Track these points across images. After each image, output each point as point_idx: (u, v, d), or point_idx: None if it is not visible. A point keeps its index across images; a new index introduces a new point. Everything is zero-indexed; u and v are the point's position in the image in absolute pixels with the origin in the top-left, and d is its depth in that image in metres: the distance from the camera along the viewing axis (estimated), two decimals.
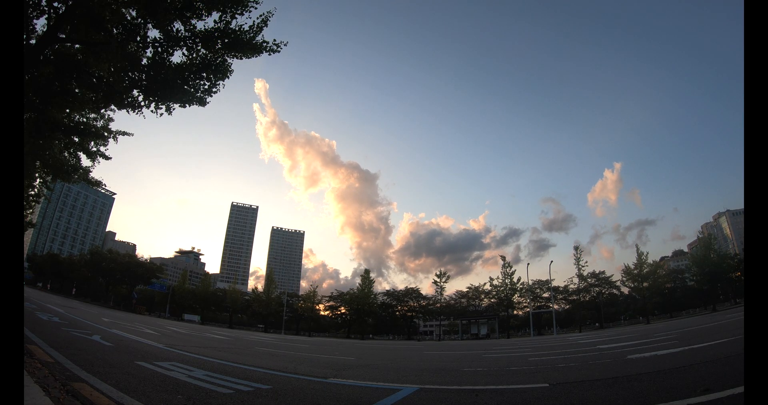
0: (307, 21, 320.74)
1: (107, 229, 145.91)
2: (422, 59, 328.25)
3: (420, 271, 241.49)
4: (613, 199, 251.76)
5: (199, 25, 8.84)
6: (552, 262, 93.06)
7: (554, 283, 54.79)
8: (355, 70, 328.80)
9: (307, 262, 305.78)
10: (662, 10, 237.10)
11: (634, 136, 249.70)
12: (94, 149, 14.82)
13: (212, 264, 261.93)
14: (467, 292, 63.16)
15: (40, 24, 8.97)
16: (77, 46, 9.66)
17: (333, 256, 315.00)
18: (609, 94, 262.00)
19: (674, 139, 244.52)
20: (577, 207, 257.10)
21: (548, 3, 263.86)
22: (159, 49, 8.97)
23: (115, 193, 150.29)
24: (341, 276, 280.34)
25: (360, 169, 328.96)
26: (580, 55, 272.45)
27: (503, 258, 57.38)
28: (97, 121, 14.03)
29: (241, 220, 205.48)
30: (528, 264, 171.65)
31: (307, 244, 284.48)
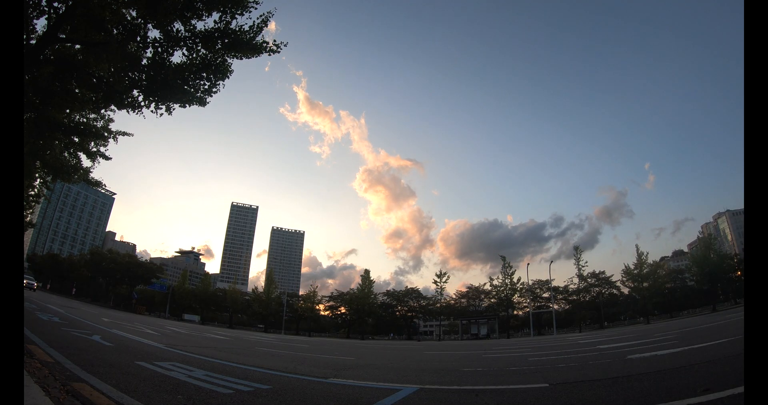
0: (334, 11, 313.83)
1: (107, 229, 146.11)
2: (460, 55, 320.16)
3: (460, 269, 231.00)
4: (645, 197, 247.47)
5: (199, 26, 8.86)
6: (552, 262, 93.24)
7: (554, 283, 54.90)
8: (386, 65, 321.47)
9: (338, 261, 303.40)
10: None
11: (653, 134, 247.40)
12: (94, 149, 14.86)
13: (212, 264, 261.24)
14: (467, 292, 63.31)
15: (40, 24, 8.99)
16: (77, 46, 9.67)
17: (369, 256, 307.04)
18: (610, 93, 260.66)
19: (674, 138, 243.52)
20: (610, 205, 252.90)
21: None
22: (159, 49, 8.98)
23: (115, 193, 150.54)
24: (381, 278, 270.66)
25: (402, 160, 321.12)
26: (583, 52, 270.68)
27: (503, 258, 57.28)
28: (97, 121, 14.06)
29: (241, 220, 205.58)
30: (528, 264, 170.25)
31: (313, 244, 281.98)
